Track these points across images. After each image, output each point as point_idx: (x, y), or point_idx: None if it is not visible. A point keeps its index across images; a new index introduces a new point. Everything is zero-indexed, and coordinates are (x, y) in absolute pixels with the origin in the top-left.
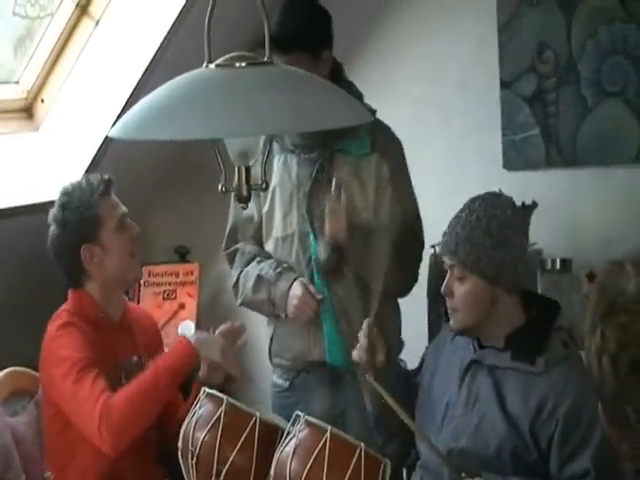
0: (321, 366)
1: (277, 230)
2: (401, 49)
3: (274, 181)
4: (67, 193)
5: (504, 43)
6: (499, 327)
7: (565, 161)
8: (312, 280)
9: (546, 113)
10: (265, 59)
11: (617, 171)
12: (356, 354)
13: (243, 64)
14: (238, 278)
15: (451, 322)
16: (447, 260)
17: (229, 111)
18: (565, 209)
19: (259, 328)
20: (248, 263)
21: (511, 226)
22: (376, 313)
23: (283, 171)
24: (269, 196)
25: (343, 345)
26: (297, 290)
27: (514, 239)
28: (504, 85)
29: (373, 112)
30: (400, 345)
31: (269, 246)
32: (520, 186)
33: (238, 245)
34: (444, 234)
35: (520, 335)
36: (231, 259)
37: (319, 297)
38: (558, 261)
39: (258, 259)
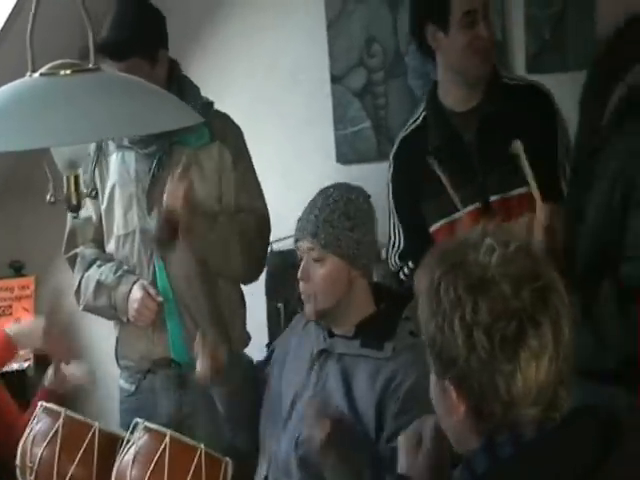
0: (167, 365)
1: (118, 228)
2: (234, 46)
3: (112, 179)
4: None
5: (333, 38)
6: (349, 315)
7: None
8: (155, 277)
9: (376, 106)
10: (90, 66)
11: None
12: (199, 372)
13: (68, 72)
14: (79, 283)
15: (307, 308)
16: (306, 243)
17: (54, 120)
18: None
19: (103, 334)
20: (89, 267)
21: (366, 211)
22: (222, 303)
23: (121, 168)
24: (107, 194)
25: (187, 341)
26: (137, 293)
27: (369, 224)
28: (334, 80)
29: (210, 104)
30: (247, 339)
31: (111, 245)
32: (353, 179)
33: (78, 249)
34: (299, 220)
35: (369, 323)
36: (72, 263)
37: (159, 299)
38: None
39: (98, 263)
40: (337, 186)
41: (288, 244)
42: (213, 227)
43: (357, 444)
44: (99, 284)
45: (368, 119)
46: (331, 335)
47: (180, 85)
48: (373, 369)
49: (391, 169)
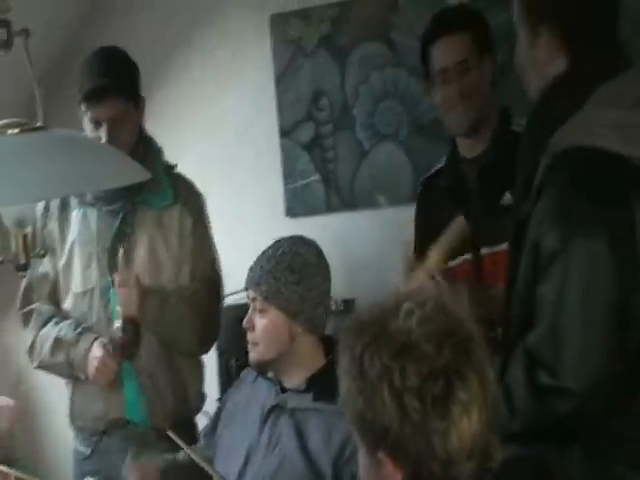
0: (122, 425)
1: (76, 285)
2: (184, 103)
3: (72, 235)
4: None
5: (281, 93)
6: (299, 369)
7: (345, 204)
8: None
9: (324, 159)
10: (38, 124)
11: (394, 210)
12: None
13: (16, 131)
14: (34, 340)
15: (250, 355)
16: (251, 293)
17: (1, 180)
18: (346, 251)
19: (53, 395)
20: (45, 324)
21: (315, 266)
22: (179, 370)
23: (82, 225)
24: (66, 250)
25: (144, 402)
26: (97, 351)
27: (316, 279)
28: (283, 134)
29: (173, 166)
30: (203, 398)
31: (68, 302)
32: (303, 232)
33: (34, 305)
34: (250, 268)
35: (321, 376)
36: (26, 320)
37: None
38: (341, 302)
39: (56, 320)
40: (290, 238)
41: (238, 298)
42: (167, 310)
43: None
44: (57, 341)
45: (317, 172)
46: (283, 390)
47: (146, 145)
48: (327, 424)
49: (415, 207)
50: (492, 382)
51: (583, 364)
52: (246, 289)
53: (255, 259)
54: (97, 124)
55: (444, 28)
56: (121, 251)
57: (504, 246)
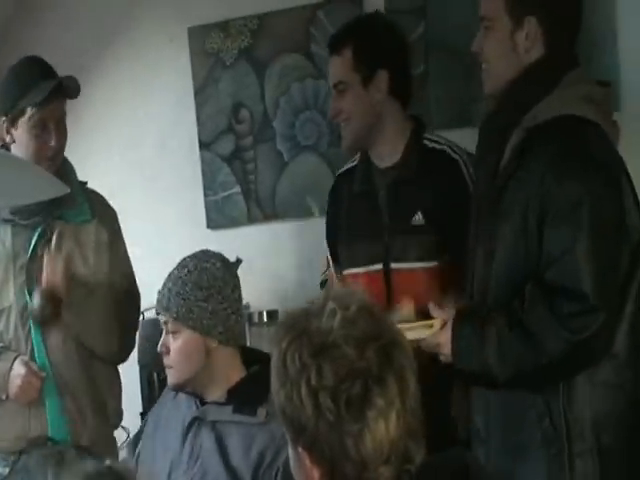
0: (43, 443)
1: None
2: (99, 117)
3: None
4: None
5: (201, 105)
6: (218, 382)
7: (265, 216)
8: (33, 353)
9: (245, 171)
10: None
11: (316, 221)
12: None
13: None
14: None
15: (168, 378)
16: (161, 317)
17: None
18: (268, 262)
19: None
20: None
21: (222, 278)
22: (99, 386)
23: None
24: None
25: (66, 420)
26: (20, 369)
27: (225, 291)
28: (203, 146)
29: (84, 183)
30: (120, 415)
31: None
32: (224, 244)
33: None
34: (159, 292)
35: (241, 388)
36: None
37: (42, 375)
38: (265, 313)
39: None
40: (193, 256)
41: None
42: (90, 303)
43: None
44: None
45: (237, 184)
46: (203, 403)
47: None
48: (247, 435)
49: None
50: (413, 388)
51: (601, 285)
52: (157, 313)
53: (163, 282)
54: (43, 128)
55: (332, 47)
56: (53, 238)
57: (421, 265)
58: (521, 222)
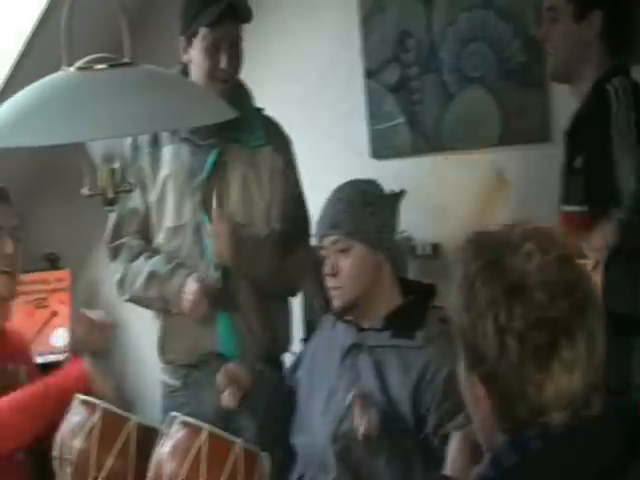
0: (214, 359)
1: (169, 220)
2: (266, 49)
3: (165, 171)
4: None
5: (366, 34)
6: (379, 306)
7: (431, 148)
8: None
9: (410, 101)
10: (126, 59)
11: (480, 155)
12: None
13: (104, 66)
14: (124, 274)
15: (335, 302)
16: (329, 238)
17: (89, 115)
18: (432, 195)
19: (140, 328)
20: (135, 258)
21: (382, 199)
22: (268, 310)
23: (175, 161)
24: (159, 186)
25: (236, 337)
26: (192, 285)
27: (386, 211)
28: (368, 75)
29: (261, 109)
30: (290, 339)
31: (159, 238)
32: (388, 174)
33: (124, 239)
34: (320, 218)
35: (399, 314)
36: (115, 253)
37: (216, 287)
38: (429, 246)
39: (147, 254)
40: (349, 182)
41: None
42: (260, 256)
43: (404, 435)
44: (151, 275)
45: (403, 114)
46: (360, 330)
47: (236, 84)
48: (406, 359)
49: None
50: (601, 347)
51: None
52: (320, 238)
53: (321, 209)
54: (216, 50)
55: None
56: (214, 193)
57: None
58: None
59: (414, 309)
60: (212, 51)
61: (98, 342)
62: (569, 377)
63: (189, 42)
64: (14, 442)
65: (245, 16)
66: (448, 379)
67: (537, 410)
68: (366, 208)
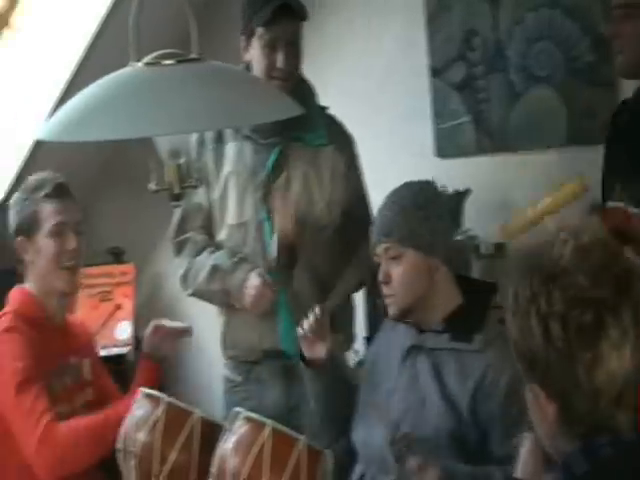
0: (275, 356)
1: (231, 217)
2: (331, 45)
3: (227, 168)
4: (24, 183)
5: (433, 32)
6: (437, 310)
7: (496, 147)
8: (268, 269)
9: (476, 100)
10: (194, 55)
11: (547, 155)
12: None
13: (171, 61)
14: (188, 268)
15: (390, 309)
16: (381, 245)
17: (156, 110)
18: (497, 194)
19: (203, 323)
20: (199, 253)
21: (438, 201)
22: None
23: (238, 158)
24: (222, 183)
25: (298, 334)
26: (255, 280)
27: (442, 212)
28: (434, 73)
29: (325, 107)
30: (352, 339)
31: (222, 234)
32: (453, 173)
33: (188, 234)
34: (374, 224)
35: (457, 316)
36: (179, 248)
37: (276, 287)
38: (493, 245)
39: (210, 249)
40: (403, 185)
41: None
42: (320, 237)
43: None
44: (214, 269)
45: (468, 113)
46: (420, 331)
47: (300, 82)
48: (463, 363)
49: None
50: None
51: None
52: (374, 246)
53: (377, 211)
54: (272, 49)
55: None
56: (282, 177)
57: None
58: None
59: (473, 310)
60: (269, 50)
61: (172, 349)
62: (618, 355)
63: (248, 41)
64: (74, 466)
65: (301, 14)
66: (508, 387)
67: (593, 397)
68: (419, 212)
